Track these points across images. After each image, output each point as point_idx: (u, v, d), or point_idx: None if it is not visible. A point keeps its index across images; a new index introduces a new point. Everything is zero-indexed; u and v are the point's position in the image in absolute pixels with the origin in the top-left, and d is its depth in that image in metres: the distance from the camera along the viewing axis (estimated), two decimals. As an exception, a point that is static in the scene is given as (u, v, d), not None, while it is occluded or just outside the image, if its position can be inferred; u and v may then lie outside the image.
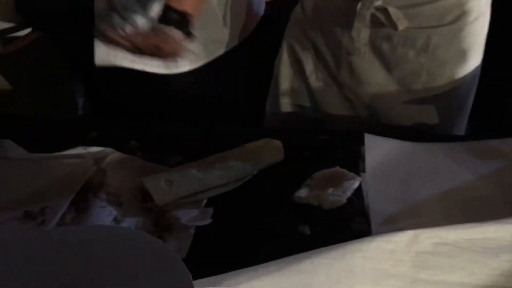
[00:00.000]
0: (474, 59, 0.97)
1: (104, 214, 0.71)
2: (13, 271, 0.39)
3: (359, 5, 0.90)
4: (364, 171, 0.80)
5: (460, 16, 0.91)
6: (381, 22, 0.90)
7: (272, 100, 1.09)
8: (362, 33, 0.91)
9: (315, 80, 1.03)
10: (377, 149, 0.82)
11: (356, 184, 0.77)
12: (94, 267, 0.40)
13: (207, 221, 0.73)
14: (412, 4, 0.89)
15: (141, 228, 0.72)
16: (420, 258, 0.56)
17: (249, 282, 0.52)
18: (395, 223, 0.68)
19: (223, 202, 0.78)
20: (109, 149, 0.86)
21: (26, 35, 1.20)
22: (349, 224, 0.72)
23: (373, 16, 0.90)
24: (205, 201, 0.78)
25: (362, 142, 0.86)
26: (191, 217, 0.74)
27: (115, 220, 0.72)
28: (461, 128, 1.03)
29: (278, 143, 0.85)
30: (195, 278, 0.52)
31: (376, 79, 0.97)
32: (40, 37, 1.21)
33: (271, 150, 0.84)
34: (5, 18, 1.16)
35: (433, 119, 0.98)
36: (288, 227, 0.73)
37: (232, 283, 0.51)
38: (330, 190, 0.76)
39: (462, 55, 0.94)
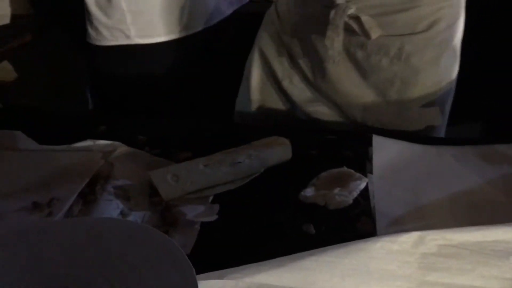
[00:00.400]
0: (449, 66, 0.98)
1: (111, 207, 0.71)
2: (20, 261, 0.40)
3: (332, 13, 0.89)
4: (371, 172, 0.80)
5: (433, 24, 0.92)
6: (354, 30, 0.90)
7: (242, 98, 1.10)
8: (335, 42, 0.91)
9: (288, 84, 1.03)
10: (385, 151, 0.82)
11: (362, 185, 0.77)
12: (100, 259, 0.40)
13: (213, 218, 0.73)
14: (385, 12, 0.89)
15: (147, 222, 0.72)
16: (426, 260, 0.56)
17: (254, 276, 0.52)
18: (401, 225, 0.68)
19: (229, 199, 0.78)
20: (117, 143, 0.86)
21: (38, 27, 1.21)
22: (355, 224, 0.72)
23: (346, 24, 0.90)
24: (211, 198, 0.78)
25: (369, 143, 0.86)
26: (197, 213, 0.75)
27: (122, 213, 0.72)
28: (441, 132, 1.03)
29: (286, 142, 0.85)
30: (199, 273, 0.52)
31: (351, 86, 0.98)
32: (49, 29, 1.22)
33: (278, 148, 0.84)
34: (18, 9, 1.17)
35: (410, 126, 0.99)
36: (293, 225, 0.73)
37: (236, 276, 0.51)
38: (336, 190, 0.76)
39: (436, 62, 0.95)
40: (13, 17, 1.20)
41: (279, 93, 1.05)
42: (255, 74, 1.06)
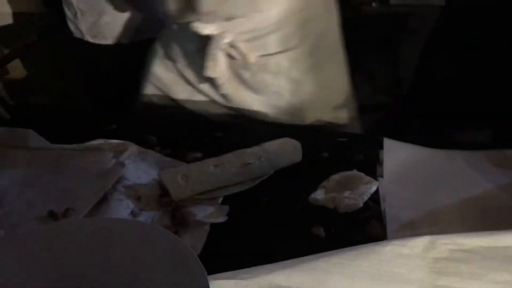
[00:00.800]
0: (335, 72, 1.05)
1: (121, 207, 0.71)
2: (34, 261, 0.40)
3: (208, 46, 0.93)
4: (381, 175, 0.80)
5: (303, 40, 0.97)
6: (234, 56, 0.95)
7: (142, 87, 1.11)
8: (217, 67, 0.95)
9: (192, 105, 1.07)
10: (396, 154, 0.82)
11: (373, 188, 0.76)
12: (112, 259, 0.40)
13: (223, 219, 0.73)
14: (257, 36, 0.93)
15: (157, 222, 0.72)
16: (437, 264, 0.55)
17: (264, 276, 0.52)
18: (412, 229, 0.67)
19: (239, 200, 0.78)
20: (128, 143, 0.87)
21: (50, 25, 1.22)
22: (365, 228, 0.72)
23: (227, 51, 0.94)
24: (221, 199, 0.78)
25: (380, 146, 0.86)
26: (207, 213, 0.75)
27: (132, 213, 0.72)
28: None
29: (296, 143, 0.85)
30: (208, 274, 0.52)
31: (246, 102, 1.02)
32: (61, 26, 1.23)
33: (289, 150, 0.84)
34: (30, 7, 1.18)
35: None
36: (303, 228, 0.72)
37: (247, 276, 0.51)
38: (346, 193, 0.76)
39: (316, 71, 1.00)
40: (24, 15, 1.21)
41: (182, 86, 1.07)
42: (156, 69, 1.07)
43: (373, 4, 1.47)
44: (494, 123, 1.05)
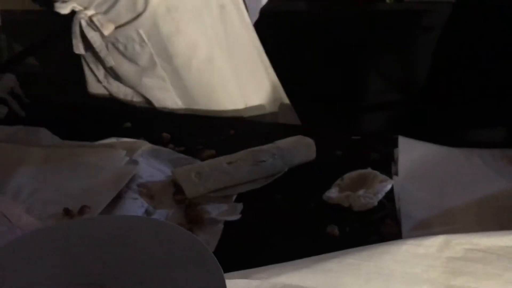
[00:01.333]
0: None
1: (135, 206, 0.72)
2: (52, 259, 0.40)
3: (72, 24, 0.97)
4: (396, 173, 0.79)
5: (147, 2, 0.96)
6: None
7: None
8: (80, 43, 0.99)
9: (107, 84, 1.09)
10: (411, 152, 0.81)
11: (388, 187, 0.76)
12: (129, 256, 0.40)
13: (236, 217, 0.73)
14: (110, 6, 0.95)
15: (171, 220, 0.72)
16: (452, 264, 0.55)
17: (278, 277, 0.52)
18: (427, 228, 0.67)
19: (252, 198, 0.78)
20: (141, 141, 0.87)
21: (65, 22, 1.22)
22: (379, 226, 0.72)
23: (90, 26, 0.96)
24: (234, 197, 0.78)
25: (395, 144, 0.85)
26: (221, 211, 0.75)
27: (146, 212, 0.72)
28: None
29: (310, 141, 0.84)
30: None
31: (135, 76, 1.02)
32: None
33: (303, 147, 0.84)
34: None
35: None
36: (317, 226, 0.72)
37: (261, 276, 0.51)
38: (361, 192, 0.75)
39: (178, 30, 0.98)
40: (39, 12, 1.22)
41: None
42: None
43: (387, 1, 1.46)
44: (510, 121, 1.04)
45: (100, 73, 1.07)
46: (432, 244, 0.56)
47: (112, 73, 1.05)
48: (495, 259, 0.54)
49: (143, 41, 0.97)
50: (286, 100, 1.21)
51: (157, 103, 1.04)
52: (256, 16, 1.21)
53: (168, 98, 1.04)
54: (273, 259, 0.62)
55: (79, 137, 0.88)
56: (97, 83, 1.09)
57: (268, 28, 1.26)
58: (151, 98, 1.04)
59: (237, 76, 1.07)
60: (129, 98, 1.07)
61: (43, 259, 0.41)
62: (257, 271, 0.52)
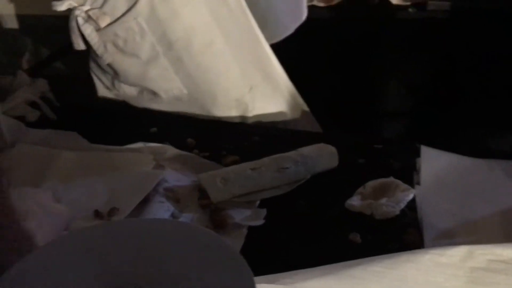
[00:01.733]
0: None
1: (162, 209, 0.73)
2: (84, 261, 0.42)
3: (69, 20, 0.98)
4: (418, 183, 0.80)
5: None
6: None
7: None
8: (79, 39, 0.98)
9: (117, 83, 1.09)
10: (433, 162, 0.82)
11: (410, 196, 0.76)
12: (160, 259, 0.42)
13: (260, 222, 0.75)
14: (104, 0, 0.96)
15: (196, 224, 0.74)
16: (475, 274, 0.56)
17: (304, 282, 0.53)
18: (449, 238, 0.68)
19: (276, 204, 0.79)
20: (167, 146, 0.89)
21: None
22: (401, 235, 0.72)
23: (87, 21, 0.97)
24: (258, 202, 0.79)
25: (416, 154, 0.86)
26: (245, 216, 0.76)
27: (172, 215, 0.74)
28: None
29: (332, 149, 0.86)
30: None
31: (136, 70, 1.03)
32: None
33: (325, 155, 0.85)
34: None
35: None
36: (339, 233, 0.73)
37: (287, 281, 0.52)
38: (383, 200, 0.76)
39: (175, 14, 0.98)
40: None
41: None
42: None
43: (410, 10, 1.46)
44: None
45: (107, 79, 1.08)
46: (455, 254, 0.57)
47: (117, 76, 1.06)
48: (518, 270, 0.55)
49: (143, 29, 0.97)
50: (305, 107, 1.22)
51: (165, 94, 1.05)
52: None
53: (175, 88, 1.04)
54: (296, 264, 0.63)
55: (106, 142, 0.90)
56: (105, 89, 1.11)
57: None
58: (157, 90, 1.05)
59: (238, 60, 1.07)
60: (136, 97, 1.08)
61: (77, 261, 0.43)
62: (283, 276, 0.54)
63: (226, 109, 1.09)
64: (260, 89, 1.11)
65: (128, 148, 0.87)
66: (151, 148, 0.87)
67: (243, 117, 1.11)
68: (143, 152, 0.85)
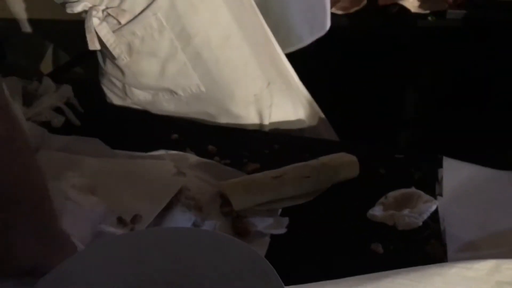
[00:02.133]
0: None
1: (184, 218, 0.74)
2: (119, 267, 0.43)
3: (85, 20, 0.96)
4: (440, 194, 0.80)
5: None
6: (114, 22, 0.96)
7: None
8: (95, 39, 0.96)
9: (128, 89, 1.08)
10: (456, 173, 0.82)
11: (433, 207, 0.76)
12: (192, 267, 0.42)
13: (283, 230, 0.75)
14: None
15: (219, 232, 0.74)
16: (501, 288, 0.55)
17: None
18: (474, 251, 0.67)
19: (297, 213, 0.79)
20: (188, 154, 0.89)
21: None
22: (424, 247, 0.72)
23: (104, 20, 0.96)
24: (280, 211, 0.79)
25: (438, 164, 0.86)
26: (267, 225, 0.76)
27: (194, 224, 0.74)
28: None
29: (353, 158, 0.86)
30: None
31: (152, 69, 1.02)
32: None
33: (346, 164, 0.85)
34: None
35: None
36: (361, 243, 0.73)
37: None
38: (406, 211, 0.76)
39: (193, 8, 0.99)
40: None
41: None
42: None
43: (429, 18, 1.46)
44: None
45: (118, 88, 1.08)
46: (482, 267, 0.57)
47: (131, 81, 1.05)
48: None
49: (162, 25, 0.97)
50: (321, 114, 1.22)
51: (183, 92, 1.05)
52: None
53: (193, 85, 1.04)
54: (318, 274, 0.63)
55: (129, 147, 0.91)
56: (118, 98, 1.10)
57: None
58: (175, 89, 1.04)
59: (256, 55, 1.07)
60: (152, 102, 1.08)
61: (110, 269, 0.43)
62: (312, 286, 0.54)
63: (245, 106, 1.08)
64: (277, 85, 1.12)
65: (150, 155, 0.88)
66: (172, 156, 0.88)
67: (260, 115, 1.10)
68: (165, 159, 0.86)
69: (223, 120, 1.08)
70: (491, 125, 1.29)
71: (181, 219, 0.74)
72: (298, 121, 1.15)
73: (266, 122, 1.11)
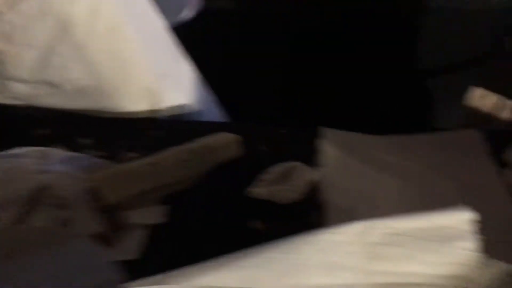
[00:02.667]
0: None
1: (49, 218, 0.68)
2: None
3: None
4: (322, 165, 0.79)
5: None
6: None
7: None
8: None
9: None
10: (334, 142, 0.81)
11: (313, 179, 0.76)
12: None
13: (160, 220, 0.71)
14: None
15: (91, 229, 0.69)
16: (372, 249, 0.54)
17: (193, 279, 0.50)
18: (353, 217, 0.67)
19: (176, 199, 0.75)
20: (57, 149, 0.82)
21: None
22: (306, 218, 0.71)
23: None
24: (158, 199, 0.75)
25: (319, 136, 0.85)
26: (143, 215, 0.72)
27: (64, 223, 0.68)
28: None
29: (232, 137, 0.83)
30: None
31: (32, 62, 0.97)
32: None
33: (226, 144, 0.82)
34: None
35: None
36: (242, 222, 0.71)
37: (176, 280, 0.49)
38: (286, 185, 0.75)
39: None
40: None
41: None
42: None
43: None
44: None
45: None
46: (352, 231, 0.56)
47: (6, 74, 0.98)
48: (411, 241, 0.55)
49: (43, 14, 0.92)
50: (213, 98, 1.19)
51: (65, 85, 0.98)
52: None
53: (78, 78, 0.98)
54: (199, 259, 0.60)
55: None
56: None
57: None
58: (58, 83, 0.98)
59: (149, 48, 1.03)
60: (31, 95, 1.00)
61: None
62: (172, 275, 0.50)
63: (135, 101, 1.03)
64: (171, 78, 1.08)
65: (10, 154, 0.80)
66: (33, 152, 0.80)
67: (153, 110, 1.04)
68: (26, 157, 0.78)
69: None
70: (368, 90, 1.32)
71: (47, 219, 0.68)
72: (190, 106, 1.11)
73: (159, 114, 1.06)
